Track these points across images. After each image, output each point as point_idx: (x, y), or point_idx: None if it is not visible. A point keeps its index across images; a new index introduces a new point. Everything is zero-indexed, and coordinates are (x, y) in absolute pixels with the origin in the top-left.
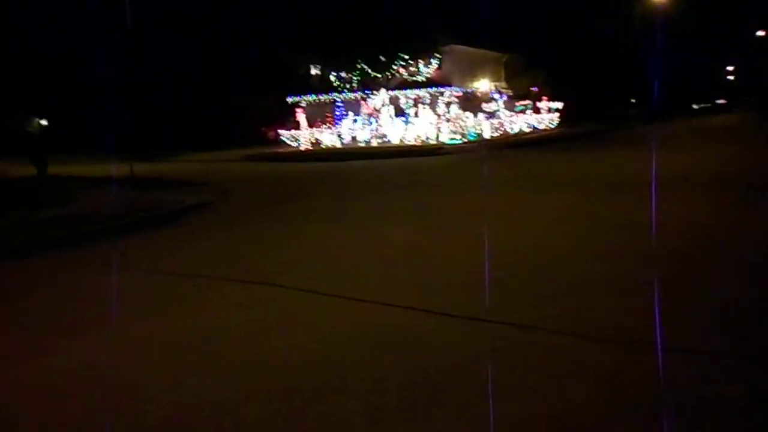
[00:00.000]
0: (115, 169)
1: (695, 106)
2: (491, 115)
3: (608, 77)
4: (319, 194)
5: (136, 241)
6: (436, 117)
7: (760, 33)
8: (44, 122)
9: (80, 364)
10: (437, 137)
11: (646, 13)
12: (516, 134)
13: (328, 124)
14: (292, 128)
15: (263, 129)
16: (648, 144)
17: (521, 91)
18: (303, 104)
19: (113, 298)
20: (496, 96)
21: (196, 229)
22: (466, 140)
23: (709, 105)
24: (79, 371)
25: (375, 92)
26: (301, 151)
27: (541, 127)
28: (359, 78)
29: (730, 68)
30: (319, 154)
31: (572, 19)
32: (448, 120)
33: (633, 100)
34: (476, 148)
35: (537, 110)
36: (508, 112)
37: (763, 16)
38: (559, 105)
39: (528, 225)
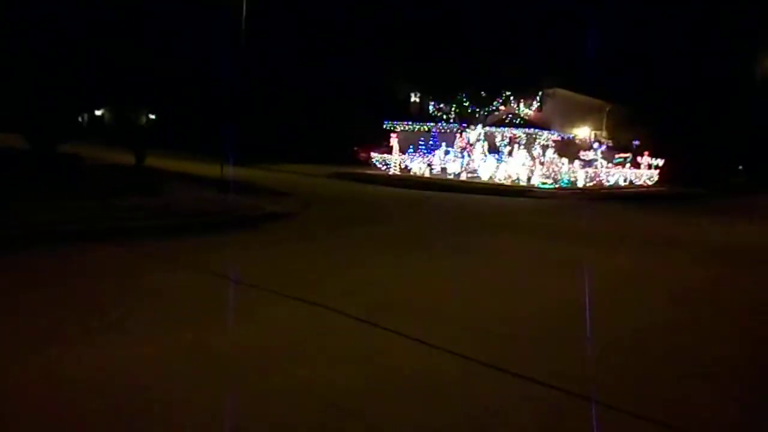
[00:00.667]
0: (209, 169)
1: None
2: (588, 163)
3: (714, 139)
4: (400, 221)
5: (207, 241)
6: (530, 158)
7: None
8: (152, 117)
9: (103, 366)
10: (528, 179)
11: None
12: (611, 186)
13: (419, 153)
14: (384, 152)
15: (356, 149)
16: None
17: (622, 143)
18: (398, 130)
19: (168, 297)
20: (595, 145)
21: (270, 238)
22: (557, 186)
23: None
24: (96, 373)
25: (471, 126)
26: (389, 175)
27: (639, 182)
28: (457, 110)
29: None
30: (406, 180)
31: (679, 76)
32: (542, 163)
33: (740, 167)
34: (566, 195)
35: (637, 165)
36: (605, 163)
37: None
38: (660, 162)
39: (628, 286)
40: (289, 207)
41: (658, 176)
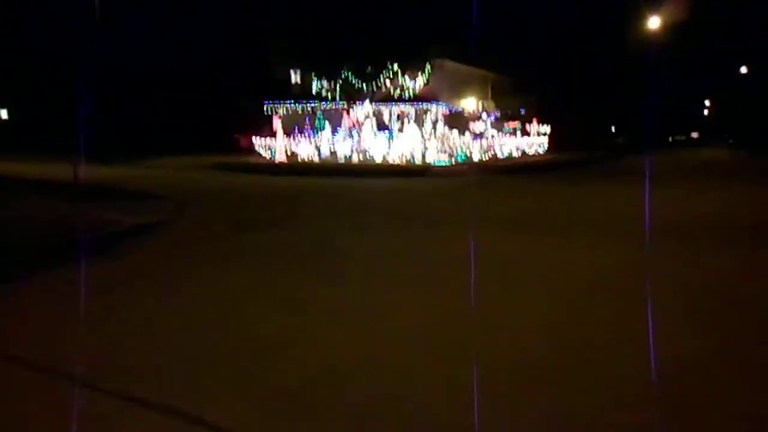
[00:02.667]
0: (65, 171)
1: (670, 139)
2: (479, 135)
3: (594, 105)
4: (292, 222)
5: (24, 287)
6: (422, 134)
7: (743, 70)
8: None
9: None
10: (423, 156)
11: (634, 44)
12: (506, 158)
13: (305, 135)
14: (268, 137)
15: (236, 136)
16: (647, 178)
17: (510, 112)
18: (280, 111)
19: None
20: (484, 116)
21: (123, 272)
22: (454, 161)
23: (683, 138)
24: None
25: (359, 103)
26: (275, 163)
27: (531, 151)
28: (343, 87)
29: (706, 102)
30: (294, 167)
31: (561, 46)
32: (434, 138)
33: (613, 128)
34: (466, 172)
35: (526, 133)
36: (496, 133)
37: (747, 53)
38: (547, 129)
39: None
40: (159, 214)
41: (548, 144)
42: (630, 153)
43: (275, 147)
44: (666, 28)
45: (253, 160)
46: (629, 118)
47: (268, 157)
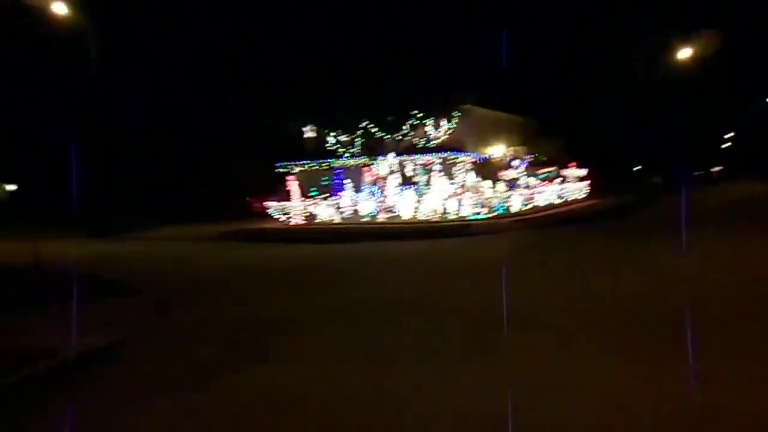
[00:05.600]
0: (40, 249)
1: (695, 173)
2: (511, 183)
3: (621, 144)
4: (313, 335)
5: None
6: (452, 186)
7: None
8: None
9: None
10: (458, 211)
11: (657, 77)
12: (547, 207)
13: (324, 195)
14: (282, 199)
15: (248, 199)
16: (724, 224)
17: (542, 156)
18: (295, 171)
19: None
20: (515, 162)
21: None
22: (493, 214)
23: (703, 172)
24: None
25: (380, 157)
26: (291, 227)
27: (571, 198)
28: (362, 141)
29: (727, 135)
30: (315, 232)
31: (585, 86)
32: (466, 190)
33: (636, 168)
34: (509, 227)
35: (562, 178)
36: (533, 181)
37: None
38: (584, 172)
39: None
40: (125, 326)
41: (588, 188)
42: (668, 192)
43: (291, 209)
44: (691, 61)
45: (267, 225)
46: (655, 155)
47: (283, 221)
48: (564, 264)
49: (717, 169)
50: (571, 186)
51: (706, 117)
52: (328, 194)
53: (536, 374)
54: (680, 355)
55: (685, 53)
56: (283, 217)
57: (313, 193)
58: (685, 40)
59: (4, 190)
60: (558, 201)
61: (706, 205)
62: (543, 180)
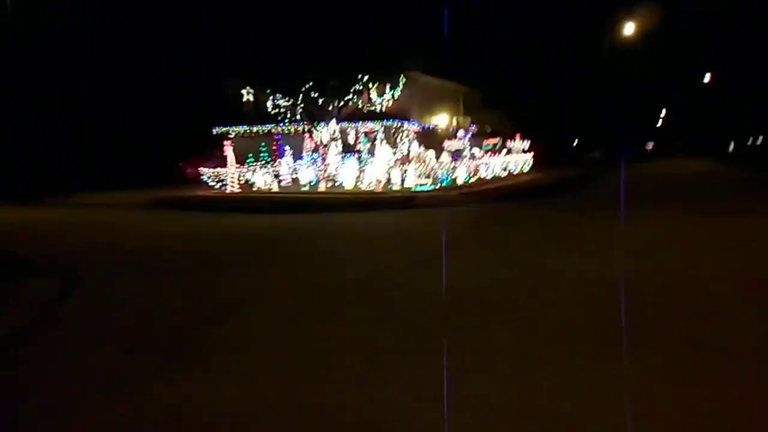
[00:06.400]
0: None
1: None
2: (456, 154)
3: (563, 118)
4: (239, 331)
5: None
6: (396, 156)
7: (706, 79)
8: None
9: None
10: (403, 181)
11: (600, 53)
12: (493, 179)
13: (262, 162)
14: (218, 165)
15: (182, 164)
16: (682, 201)
17: (487, 127)
18: (232, 135)
19: None
20: (461, 133)
21: None
22: (439, 186)
23: (635, 149)
24: None
25: (322, 123)
26: (226, 195)
27: (516, 171)
28: (303, 105)
29: (663, 112)
30: (249, 201)
31: (528, 56)
32: (410, 160)
33: (575, 141)
34: (456, 200)
35: (507, 150)
36: (478, 152)
37: (711, 62)
38: (527, 144)
39: None
40: (16, 316)
41: (532, 161)
42: (607, 168)
43: (226, 176)
44: (631, 37)
45: (200, 192)
46: (594, 130)
47: (218, 188)
48: (517, 242)
49: (650, 145)
50: (515, 158)
51: (645, 94)
52: (265, 161)
53: (491, 375)
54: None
55: (629, 27)
56: (218, 185)
57: (250, 160)
58: (629, 13)
59: None
60: (503, 173)
61: (649, 180)
62: (488, 151)
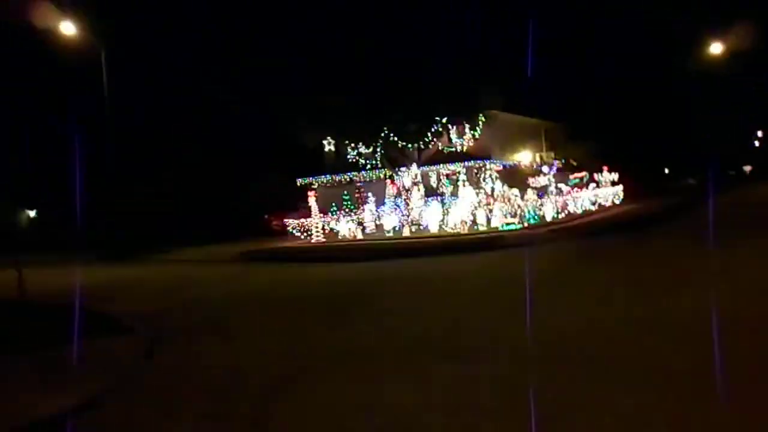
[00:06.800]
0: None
1: (729, 173)
2: (542, 190)
3: (648, 145)
4: (322, 396)
5: None
6: (480, 196)
7: None
8: (32, 213)
9: None
10: (488, 221)
11: (686, 78)
12: (583, 214)
13: (346, 210)
14: (302, 216)
15: (267, 217)
16: None
17: (573, 161)
18: (315, 185)
19: None
20: (545, 169)
21: None
22: (526, 225)
23: (734, 173)
24: None
25: (403, 168)
26: (312, 245)
27: (607, 204)
28: (383, 152)
29: (759, 133)
30: (335, 250)
31: (612, 87)
32: (495, 199)
33: (666, 170)
34: (545, 237)
35: (594, 183)
36: (564, 187)
37: None
38: (616, 176)
39: None
40: (98, 382)
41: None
42: (705, 195)
43: (311, 226)
44: (719, 59)
45: (287, 244)
46: (687, 156)
47: (303, 239)
48: (621, 281)
49: (748, 168)
50: (604, 191)
51: (737, 115)
52: (349, 209)
53: None
54: None
55: (716, 48)
56: (304, 235)
57: (333, 210)
58: (715, 35)
59: (25, 215)
60: (593, 207)
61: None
62: (574, 186)
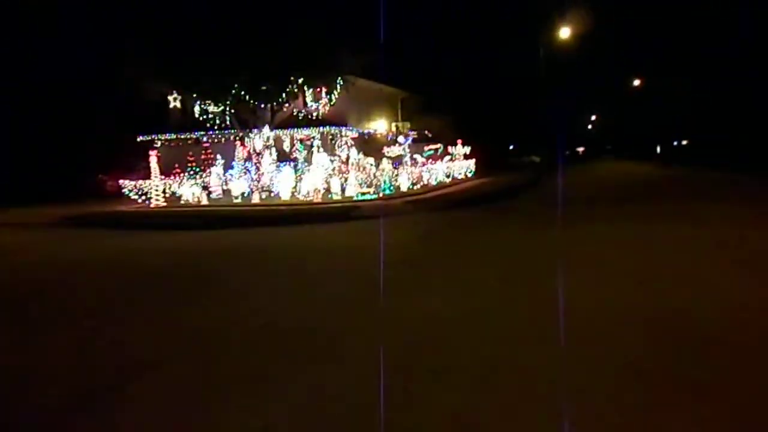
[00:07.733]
0: None
1: (566, 152)
2: (397, 160)
3: (500, 123)
4: (138, 407)
5: None
6: (335, 164)
7: (636, 82)
8: None
9: None
10: (343, 190)
11: (533, 60)
12: (437, 186)
13: (190, 172)
14: (141, 177)
15: (102, 176)
16: (641, 205)
17: (428, 132)
18: (158, 144)
19: None
20: (401, 139)
21: None
22: (381, 194)
23: (569, 152)
24: None
25: (255, 130)
26: (150, 210)
27: (460, 176)
28: (233, 111)
29: (593, 117)
30: (175, 216)
31: (469, 64)
32: (350, 168)
33: (511, 147)
34: (402, 209)
35: (450, 156)
36: (419, 158)
37: (639, 66)
38: (468, 150)
39: None
40: None
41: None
42: (548, 171)
43: (151, 188)
44: (565, 43)
45: (121, 208)
46: (531, 135)
47: (141, 202)
48: (479, 259)
49: (581, 149)
50: (458, 164)
51: (577, 99)
52: (194, 171)
53: None
54: None
55: (564, 33)
56: (142, 198)
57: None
58: (562, 20)
59: None
60: (447, 180)
61: (592, 182)
62: (429, 157)
